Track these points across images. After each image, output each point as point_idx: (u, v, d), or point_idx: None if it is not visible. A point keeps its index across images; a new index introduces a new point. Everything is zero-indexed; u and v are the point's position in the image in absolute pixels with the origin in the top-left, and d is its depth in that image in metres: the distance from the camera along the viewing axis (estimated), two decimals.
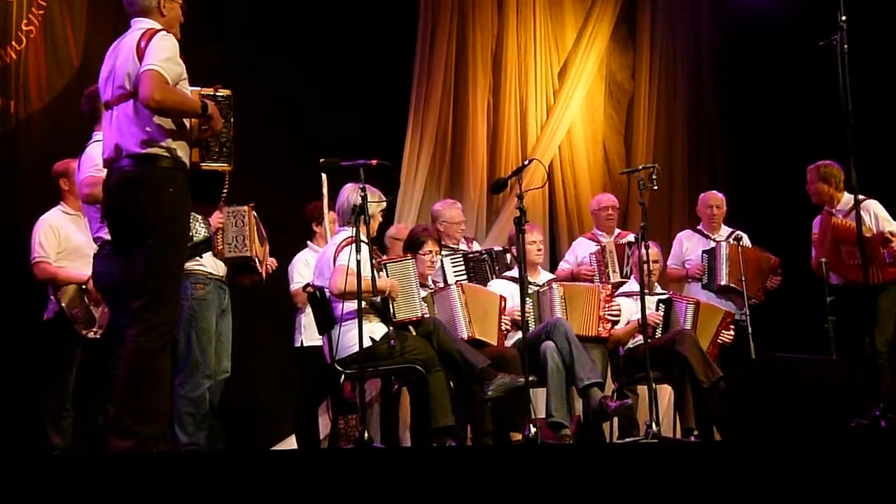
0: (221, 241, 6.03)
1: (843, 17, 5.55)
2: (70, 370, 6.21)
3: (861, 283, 6.38)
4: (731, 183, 9.76)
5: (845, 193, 7.49)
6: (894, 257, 7.23)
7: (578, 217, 9.73)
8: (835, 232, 7.34)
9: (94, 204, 5.15)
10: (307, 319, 6.74)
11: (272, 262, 6.62)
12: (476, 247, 7.85)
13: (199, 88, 4.80)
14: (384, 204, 6.20)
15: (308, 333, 6.88)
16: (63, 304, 6.15)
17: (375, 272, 5.80)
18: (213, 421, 6.16)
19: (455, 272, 7.19)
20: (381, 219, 6.34)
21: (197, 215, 5.66)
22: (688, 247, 8.15)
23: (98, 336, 6.16)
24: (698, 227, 8.26)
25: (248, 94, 5.13)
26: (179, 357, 5.84)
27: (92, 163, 5.24)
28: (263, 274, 6.39)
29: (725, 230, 8.08)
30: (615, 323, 6.94)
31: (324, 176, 6.68)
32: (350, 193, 6.08)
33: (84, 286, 6.15)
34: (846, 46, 5.54)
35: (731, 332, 7.28)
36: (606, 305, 6.90)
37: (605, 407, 6.32)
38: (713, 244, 7.89)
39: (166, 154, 4.60)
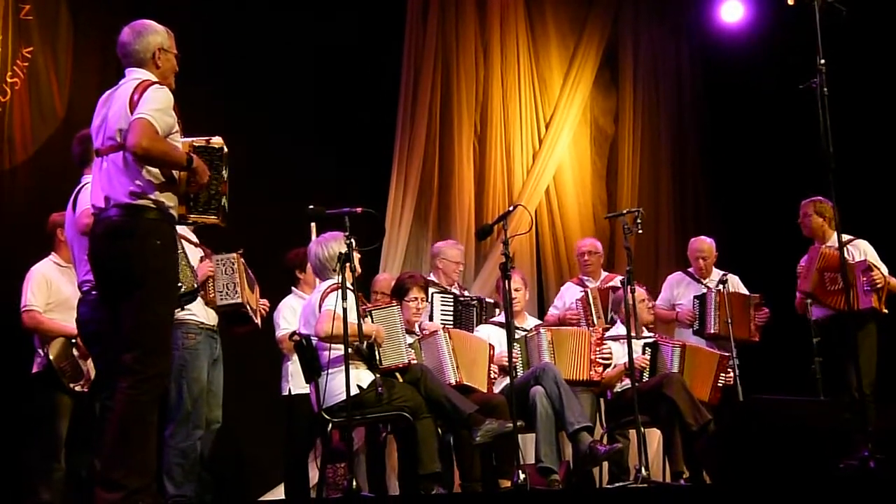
0: (212, 290, 6.02)
1: (822, 61, 5.62)
2: (60, 423, 6.16)
3: (840, 310, 6.37)
4: (716, 224, 9.80)
5: (834, 232, 7.54)
6: (872, 286, 7.29)
7: (568, 261, 9.70)
8: (822, 259, 7.41)
9: None
10: (294, 367, 6.71)
11: (265, 304, 6.62)
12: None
13: (191, 139, 4.81)
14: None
15: (295, 381, 6.83)
16: (51, 358, 6.11)
17: (361, 318, 5.80)
18: (202, 472, 6.10)
19: (443, 311, 7.18)
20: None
21: (186, 266, 5.65)
22: (678, 292, 8.13)
23: (86, 389, 6.13)
24: (689, 270, 8.26)
25: (234, 143, 5.15)
26: (171, 407, 5.80)
27: None
28: (259, 321, 6.38)
29: (717, 273, 8.08)
30: (607, 366, 6.93)
31: (312, 224, 6.70)
32: (318, 249, 6.10)
33: (73, 339, 6.13)
34: (826, 89, 5.60)
35: (731, 374, 7.27)
36: (598, 349, 6.91)
37: (594, 451, 6.31)
38: (704, 289, 7.91)
39: (154, 206, 4.61)
